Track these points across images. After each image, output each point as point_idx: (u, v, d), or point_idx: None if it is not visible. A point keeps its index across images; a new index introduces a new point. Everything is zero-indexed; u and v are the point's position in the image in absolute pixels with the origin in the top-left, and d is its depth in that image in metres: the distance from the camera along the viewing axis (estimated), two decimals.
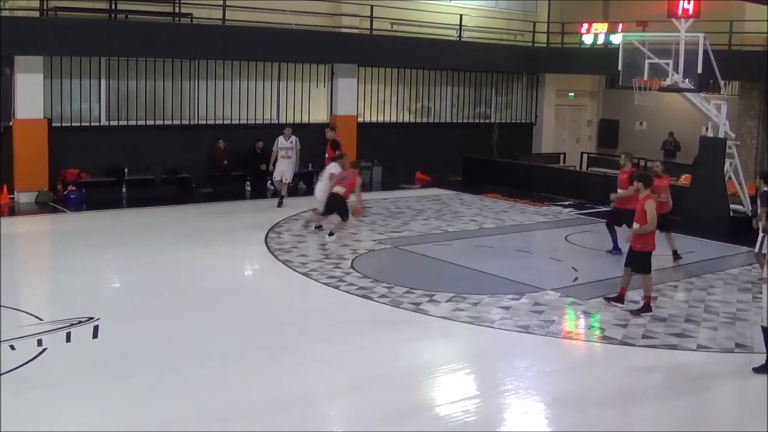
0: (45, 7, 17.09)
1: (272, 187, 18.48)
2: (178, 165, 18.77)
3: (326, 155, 17.07)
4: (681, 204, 14.96)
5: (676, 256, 13.46)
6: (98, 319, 9.40)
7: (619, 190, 13.23)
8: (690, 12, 15.76)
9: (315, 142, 20.62)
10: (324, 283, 11.49)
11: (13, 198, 16.98)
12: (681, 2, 15.76)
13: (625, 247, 11.41)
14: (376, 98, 22.44)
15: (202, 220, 16.32)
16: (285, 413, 7.26)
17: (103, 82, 18.19)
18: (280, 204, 17.22)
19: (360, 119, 21.87)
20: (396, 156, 21.96)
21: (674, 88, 15.92)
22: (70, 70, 17.63)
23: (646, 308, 10.51)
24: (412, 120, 23.29)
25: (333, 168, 15.02)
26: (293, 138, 17.39)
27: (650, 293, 10.62)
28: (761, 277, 11.79)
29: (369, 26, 21.22)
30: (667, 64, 15.70)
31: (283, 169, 17.32)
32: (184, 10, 19.06)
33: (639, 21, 21.85)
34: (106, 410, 7.19)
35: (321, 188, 14.97)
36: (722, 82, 16.92)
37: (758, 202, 12.28)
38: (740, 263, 13.73)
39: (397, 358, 8.85)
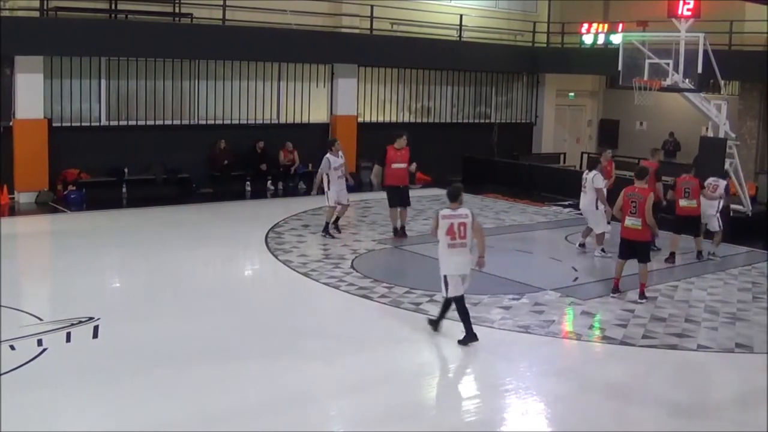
0: (45, 7, 17.10)
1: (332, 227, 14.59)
2: (179, 165, 18.77)
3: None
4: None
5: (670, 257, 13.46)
6: (98, 319, 9.40)
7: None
8: (690, 12, 15.75)
9: (315, 142, 20.65)
10: (324, 283, 11.49)
11: (13, 198, 16.98)
12: (681, 2, 15.75)
13: None
14: (376, 98, 22.43)
15: (203, 220, 16.32)
16: (285, 413, 7.26)
17: (103, 82, 18.19)
18: (337, 230, 14.68)
19: (360, 119, 21.87)
20: None
21: (674, 88, 15.91)
22: (70, 70, 17.63)
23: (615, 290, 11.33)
24: (413, 120, 23.27)
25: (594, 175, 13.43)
26: (341, 152, 14.72)
27: (616, 276, 11.36)
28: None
29: (369, 26, 21.22)
30: (668, 64, 15.69)
31: (339, 189, 14.40)
32: (184, 10, 19.07)
33: (639, 21, 21.83)
34: (106, 410, 7.19)
35: (589, 200, 13.56)
36: (722, 82, 16.93)
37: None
38: (740, 263, 13.73)
39: (397, 358, 8.85)
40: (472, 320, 9.09)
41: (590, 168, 13.81)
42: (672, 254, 13.36)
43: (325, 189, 14.35)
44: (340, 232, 14.68)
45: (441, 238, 8.95)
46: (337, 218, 14.75)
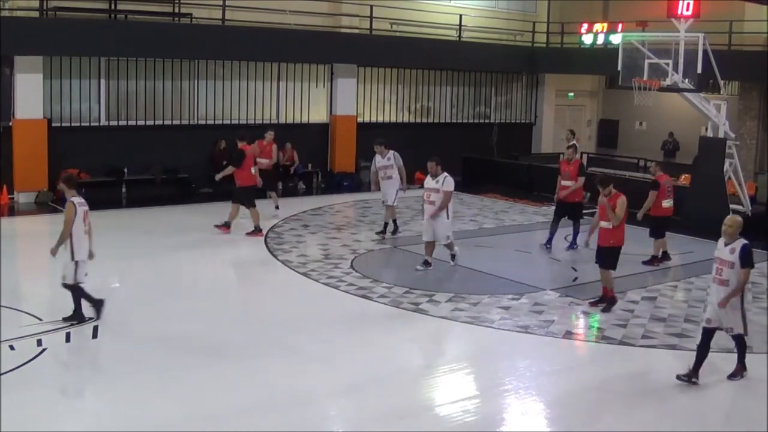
0: (45, 7, 17.09)
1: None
2: (178, 165, 18.77)
3: None
4: (681, 204, 14.96)
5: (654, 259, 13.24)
6: (98, 319, 9.40)
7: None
8: (690, 12, 15.76)
9: (314, 142, 20.68)
10: (324, 283, 11.49)
11: (13, 198, 16.98)
12: (681, 2, 15.76)
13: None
14: (376, 98, 22.43)
15: (202, 220, 16.28)
16: (285, 413, 7.26)
17: (103, 82, 18.19)
18: (390, 232, 14.79)
19: (360, 119, 21.86)
20: None
21: (674, 88, 15.91)
22: (70, 70, 17.63)
23: (613, 301, 10.66)
24: (412, 120, 23.28)
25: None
26: (391, 153, 14.52)
27: (611, 287, 10.70)
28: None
29: (369, 26, 21.22)
30: (667, 64, 15.70)
31: (384, 191, 14.57)
32: (184, 10, 19.06)
33: (639, 21, 21.86)
34: (105, 410, 7.20)
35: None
36: (722, 82, 16.93)
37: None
38: None
39: (397, 358, 8.85)
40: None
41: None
42: (654, 257, 13.24)
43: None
44: (393, 234, 14.85)
45: (78, 225, 9.64)
46: (386, 224, 14.90)
